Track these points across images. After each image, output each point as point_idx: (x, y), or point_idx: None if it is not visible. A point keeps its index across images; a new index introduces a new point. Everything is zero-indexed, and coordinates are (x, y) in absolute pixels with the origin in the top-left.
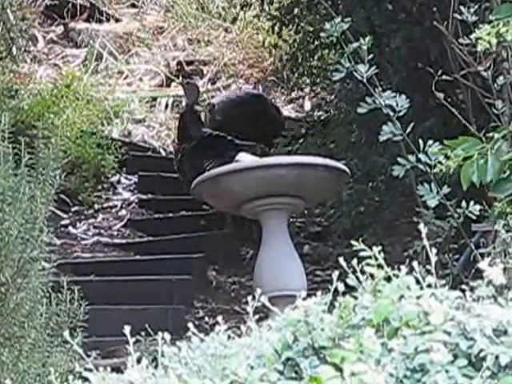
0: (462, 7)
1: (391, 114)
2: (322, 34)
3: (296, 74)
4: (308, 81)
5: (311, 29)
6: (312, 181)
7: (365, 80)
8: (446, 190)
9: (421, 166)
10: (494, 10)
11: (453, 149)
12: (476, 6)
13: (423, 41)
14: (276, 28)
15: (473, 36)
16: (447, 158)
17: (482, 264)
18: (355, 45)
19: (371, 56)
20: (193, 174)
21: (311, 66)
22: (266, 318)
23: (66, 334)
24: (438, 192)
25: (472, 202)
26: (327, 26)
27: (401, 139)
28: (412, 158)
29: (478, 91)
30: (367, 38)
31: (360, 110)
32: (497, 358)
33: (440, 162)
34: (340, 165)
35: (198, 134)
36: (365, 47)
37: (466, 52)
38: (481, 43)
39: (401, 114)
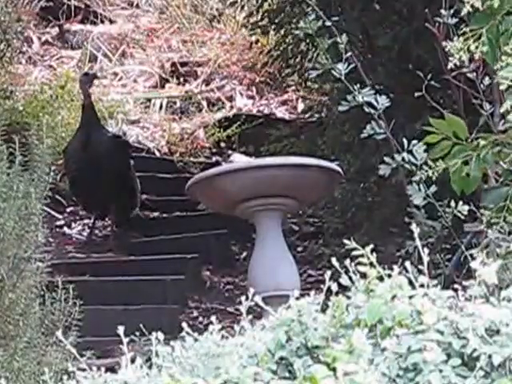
0: (442, 10)
1: (372, 111)
2: (296, 32)
3: (286, 75)
4: (300, 81)
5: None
6: (305, 181)
7: (343, 78)
8: (433, 189)
9: (407, 166)
10: (471, 21)
11: (437, 132)
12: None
13: (414, 42)
14: (263, 30)
15: (447, 49)
16: (430, 168)
17: (474, 264)
18: (330, 42)
19: (363, 57)
20: None
21: (303, 67)
22: (260, 318)
23: (59, 333)
24: (426, 191)
25: (461, 202)
26: (301, 23)
27: (392, 139)
28: (399, 157)
29: (470, 92)
30: (343, 36)
31: (341, 108)
32: (490, 357)
33: (422, 168)
34: (333, 165)
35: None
36: (342, 46)
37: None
38: (451, 60)
39: (382, 111)
